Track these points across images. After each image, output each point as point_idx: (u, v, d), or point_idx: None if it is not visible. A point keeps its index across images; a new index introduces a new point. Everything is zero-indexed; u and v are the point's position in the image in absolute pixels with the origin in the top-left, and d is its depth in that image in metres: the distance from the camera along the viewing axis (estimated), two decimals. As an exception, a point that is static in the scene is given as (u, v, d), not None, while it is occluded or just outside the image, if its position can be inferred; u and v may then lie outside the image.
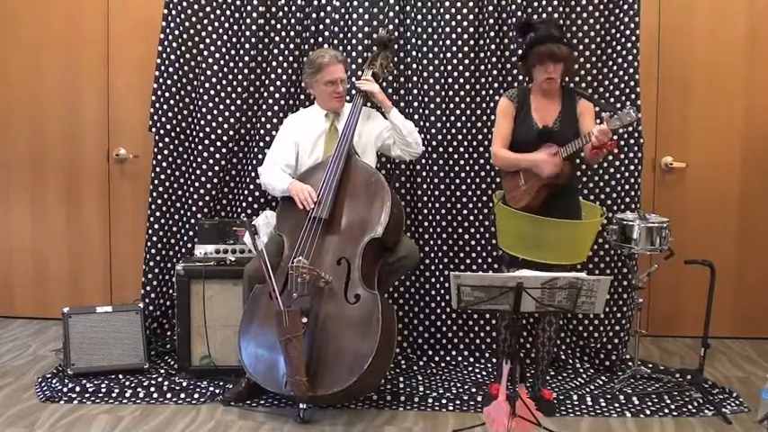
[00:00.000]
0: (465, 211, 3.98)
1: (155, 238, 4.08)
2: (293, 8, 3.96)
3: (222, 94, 3.98)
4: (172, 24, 3.97)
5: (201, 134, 3.99)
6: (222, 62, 3.98)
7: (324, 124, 3.64)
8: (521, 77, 3.83)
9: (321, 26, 3.98)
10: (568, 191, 3.38)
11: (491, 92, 3.92)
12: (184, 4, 3.96)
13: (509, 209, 3.33)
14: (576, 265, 3.31)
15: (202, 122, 3.99)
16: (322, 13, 3.98)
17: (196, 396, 3.43)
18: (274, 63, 3.97)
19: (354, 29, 3.94)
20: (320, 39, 3.98)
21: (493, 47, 3.90)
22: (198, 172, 4.01)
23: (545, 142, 3.28)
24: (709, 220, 4.32)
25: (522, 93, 3.42)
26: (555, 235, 3.23)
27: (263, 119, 3.99)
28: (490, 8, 3.89)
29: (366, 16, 3.93)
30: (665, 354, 4.16)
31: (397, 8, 3.93)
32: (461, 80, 3.92)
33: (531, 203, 3.27)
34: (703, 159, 4.30)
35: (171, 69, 4.00)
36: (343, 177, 3.43)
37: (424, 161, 3.95)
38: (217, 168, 4.00)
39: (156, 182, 4.06)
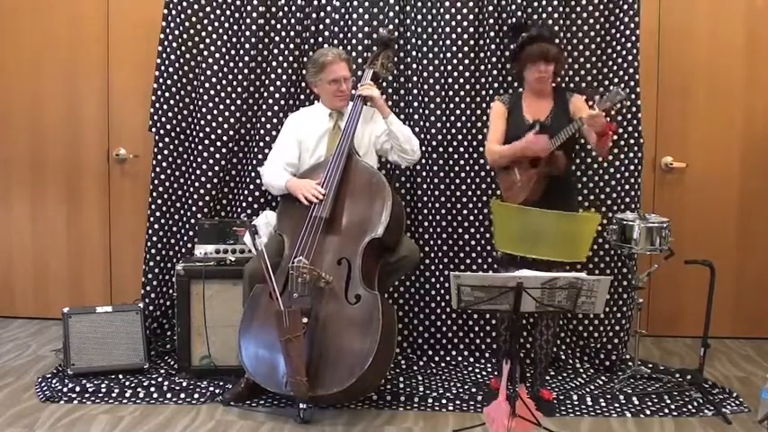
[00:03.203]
0: (465, 211, 3.98)
1: (155, 238, 4.08)
2: (293, 8, 3.96)
3: (222, 94, 3.98)
4: (172, 24, 3.97)
5: (201, 134, 3.99)
6: (222, 62, 3.98)
7: (327, 123, 3.64)
8: (520, 78, 3.84)
9: (321, 26, 3.99)
10: (565, 186, 3.39)
11: (491, 92, 3.91)
12: (184, 4, 3.96)
13: (506, 204, 3.34)
14: (575, 265, 3.31)
15: (202, 122, 3.99)
16: (322, 13, 3.98)
17: (196, 396, 3.43)
18: (274, 63, 3.97)
19: (354, 29, 3.94)
20: (320, 39, 3.98)
21: (493, 47, 3.90)
22: (198, 172, 4.01)
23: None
24: (710, 220, 4.32)
25: (514, 97, 3.50)
26: (552, 229, 3.23)
27: (263, 119, 3.99)
28: (490, 8, 3.89)
29: (366, 16, 3.94)
30: (665, 354, 4.16)
31: (397, 8, 3.93)
32: (461, 80, 3.92)
33: (529, 199, 3.28)
34: (703, 159, 4.30)
35: (171, 69, 4.00)
36: (344, 177, 3.43)
37: (423, 161, 3.95)
38: (217, 168, 4.00)
39: (156, 182, 4.06)
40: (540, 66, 3.29)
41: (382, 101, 3.60)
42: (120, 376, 3.63)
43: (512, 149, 3.33)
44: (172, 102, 4.02)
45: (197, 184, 4.01)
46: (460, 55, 3.90)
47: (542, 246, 3.22)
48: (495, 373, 3.73)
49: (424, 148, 3.93)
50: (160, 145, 4.05)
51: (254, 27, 3.95)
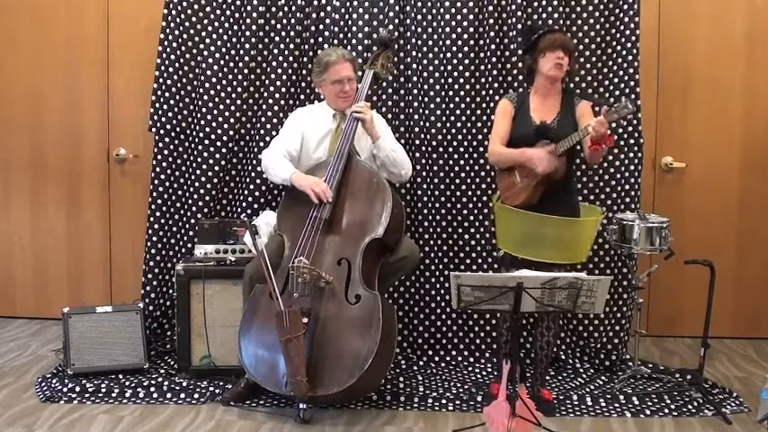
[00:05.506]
0: (465, 211, 3.98)
1: (155, 238, 4.08)
2: (293, 8, 3.96)
3: (222, 94, 3.98)
4: (172, 24, 3.97)
5: (201, 134, 3.99)
6: (222, 62, 3.98)
7: (331, 124, 3.63)
8: (521, 77, 3.83)
9: (321, 26, 3.99)
10: (566, 189, 3.37)
11: (491, 92, 3.92)
12: (184, 4, 3.96)
13: (507, 207, 3.33)
14: (575, 265, 3.31)
15: (202, 122, 3.99)
16: (322, 13, 3.98)
17: (196, 396, 3.43)
18: (274, 63, 3.97)
19: (354, 29, 3.94)
20: (320, 39, 3.98)
21: (493, 47, 3.90)
22: (198, 172, 4.01)
23: (542, 138, 3.28)
24: (710, 220, 4.32)
25: (522, 95, 3.47)
26: (554, 233, 3.23)
27: (263, 119, 3.99)
28: (490, 8, 3.89)
29: (366, 16, 3.94)
30: (665, 354, 4.16)
31: (397, 8, 3.93)
32: (461, 80, 3.92)
33: (528, 200, 3.27)
34: (703, 159, 4.30)
35: (171, 69, 4.00)
36: (344, 177, 3.43)
37: (423, 161, 3.95)
38: (217, 168, 4.00)
39: (156, 182, 4.06)
40: (559, 52, 3.26)
41: (373, 125, 3.51)
42: (120, 376, 3.63)
43: (515, 155, 3.30)
44: (172, 102, 4.02)
45: (197, 184, 4.01)
46: (460, 55, 3.90)
47: (544, 249, 3.21)
48: (495, 374, 3.73)
49: (424, 148, 3.94)
50: (160, 145, 4.05)
51: (254, 27, 3.95)
